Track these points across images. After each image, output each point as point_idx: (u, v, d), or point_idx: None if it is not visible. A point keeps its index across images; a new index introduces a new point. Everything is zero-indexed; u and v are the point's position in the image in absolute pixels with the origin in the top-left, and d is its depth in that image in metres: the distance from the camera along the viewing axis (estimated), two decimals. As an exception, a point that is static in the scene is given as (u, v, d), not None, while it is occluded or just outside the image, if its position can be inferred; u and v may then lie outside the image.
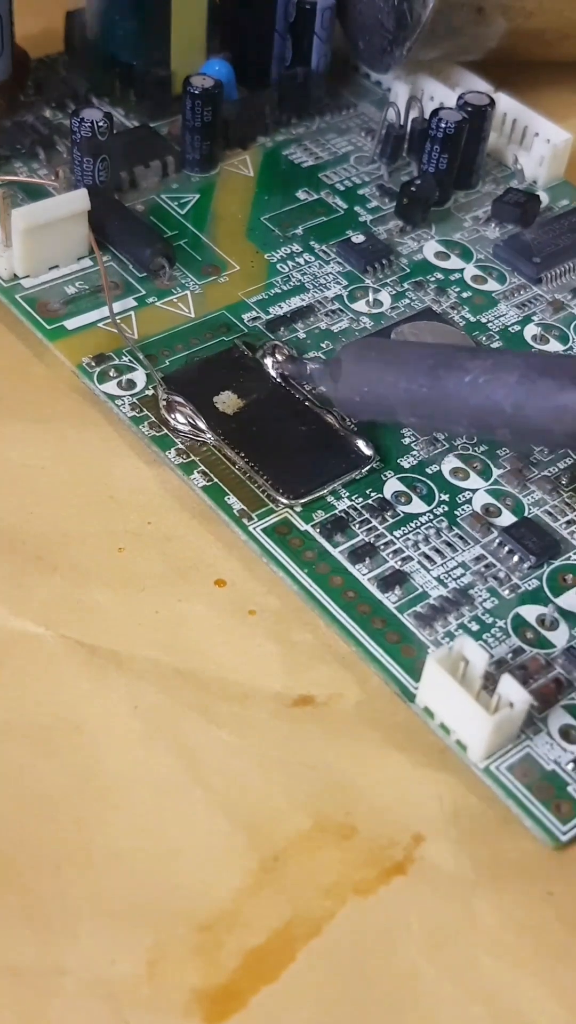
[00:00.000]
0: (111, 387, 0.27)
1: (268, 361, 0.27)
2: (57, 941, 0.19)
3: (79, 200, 0.29)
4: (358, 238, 0.31)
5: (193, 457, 0.26)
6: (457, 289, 0.31)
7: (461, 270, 0.31)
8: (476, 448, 0.27)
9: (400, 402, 0.25)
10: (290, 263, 0.31)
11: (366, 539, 0.25)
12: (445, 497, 0.26)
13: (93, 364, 0.28)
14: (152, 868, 0.20)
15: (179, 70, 0.34)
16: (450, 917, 0.20)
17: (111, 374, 0.27)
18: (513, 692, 0.21)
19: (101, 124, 0.30)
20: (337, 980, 0.19)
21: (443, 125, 0.32)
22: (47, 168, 0.32)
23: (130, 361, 0.28)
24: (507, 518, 0.25)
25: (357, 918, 0.20)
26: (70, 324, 0.28)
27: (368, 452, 0.26)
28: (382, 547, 0.25)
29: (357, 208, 0.33)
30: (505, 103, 0.34)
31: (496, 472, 0.26)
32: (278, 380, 0.27)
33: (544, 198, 0.33)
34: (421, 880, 0.21)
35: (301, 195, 0.33)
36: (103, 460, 0.26)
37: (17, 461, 0.26)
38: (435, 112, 0.32)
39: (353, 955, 0.20)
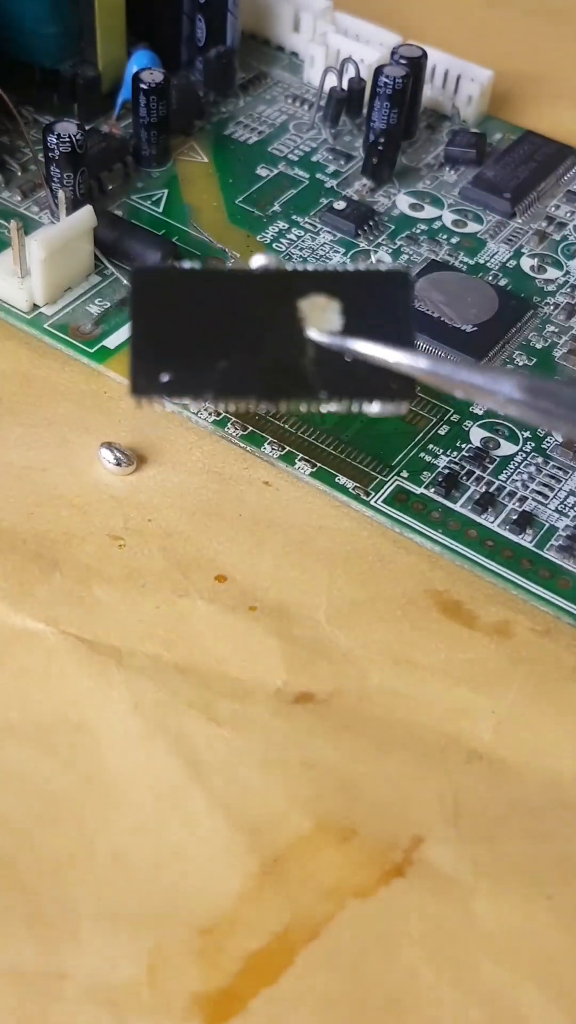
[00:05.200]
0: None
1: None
2: (59, 945, 0.20)
3: (87, 218, 0.29)
4: (340, 204, 0.32)
5: (289, 448, 0.27)
6: (445, 236, 0.32)
7: (439, 217, 0.32)
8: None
9: None
10: (284, 240, 0.31)
11: (480, 489, 0.26)
12: (527, 434, 0.27)
13: (153, 378, 0.27)
14: (153, 870, 0.21)
15: (106, 68, 0.33)
16: (449, 920, 0.20)
17: (175, 384, 0.27)
18: None
19: (79, 137, 0.29)
20: (336, 983, 0.19)
21: (389, 81, 0.32)
22: (8, 191, 0.32)
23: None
24: (590, 441, 0.27)
25: (356, 921, 0.20)
26: (110, 343, 0.28)
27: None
28: (496, 493, 0.26)
29: (319, 175, 0.33)
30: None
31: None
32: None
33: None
34: (420, 883, 0.21)
35: (262, 172, 0.33)
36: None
37: (18, 463, 0.26)
38: (379, 70, 0.33)
39: (352, 958, 0.20)
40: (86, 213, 0.28)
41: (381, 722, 0.23)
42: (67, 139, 0.29)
